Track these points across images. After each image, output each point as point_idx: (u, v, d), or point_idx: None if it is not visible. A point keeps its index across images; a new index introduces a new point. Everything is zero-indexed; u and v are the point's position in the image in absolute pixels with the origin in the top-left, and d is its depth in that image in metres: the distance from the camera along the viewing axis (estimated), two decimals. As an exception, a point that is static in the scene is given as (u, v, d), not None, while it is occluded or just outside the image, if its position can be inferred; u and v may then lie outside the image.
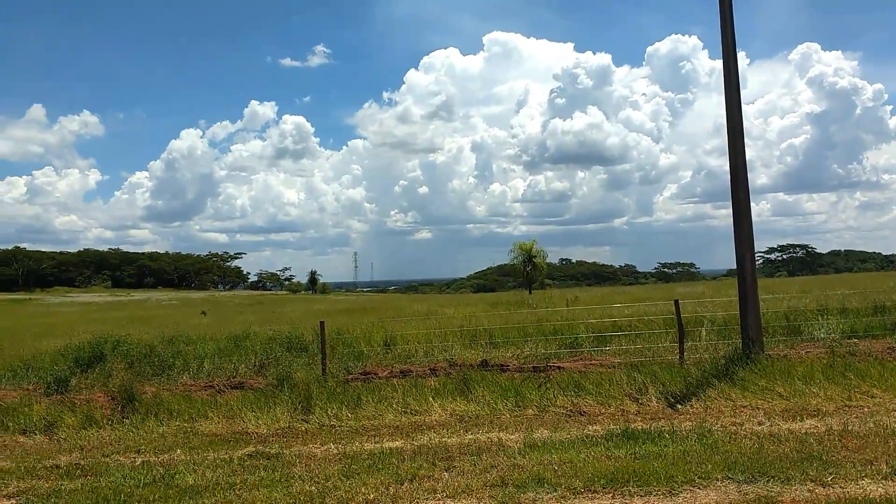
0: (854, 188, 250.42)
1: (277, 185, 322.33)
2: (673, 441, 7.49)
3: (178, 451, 8.55)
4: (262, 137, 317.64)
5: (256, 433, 9.43)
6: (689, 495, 5.89)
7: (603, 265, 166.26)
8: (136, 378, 11.44)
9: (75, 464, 8.10)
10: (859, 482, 5.94)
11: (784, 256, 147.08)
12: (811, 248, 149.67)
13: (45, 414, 10.45)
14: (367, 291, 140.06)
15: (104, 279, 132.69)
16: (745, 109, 12.18)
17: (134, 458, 8.36)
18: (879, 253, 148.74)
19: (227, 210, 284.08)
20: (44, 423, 10.22)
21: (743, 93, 12.11)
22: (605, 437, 7.89)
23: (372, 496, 6.27)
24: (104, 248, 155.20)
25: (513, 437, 8.24)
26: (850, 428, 7.70)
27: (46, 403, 10.92)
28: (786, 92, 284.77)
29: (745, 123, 12.23)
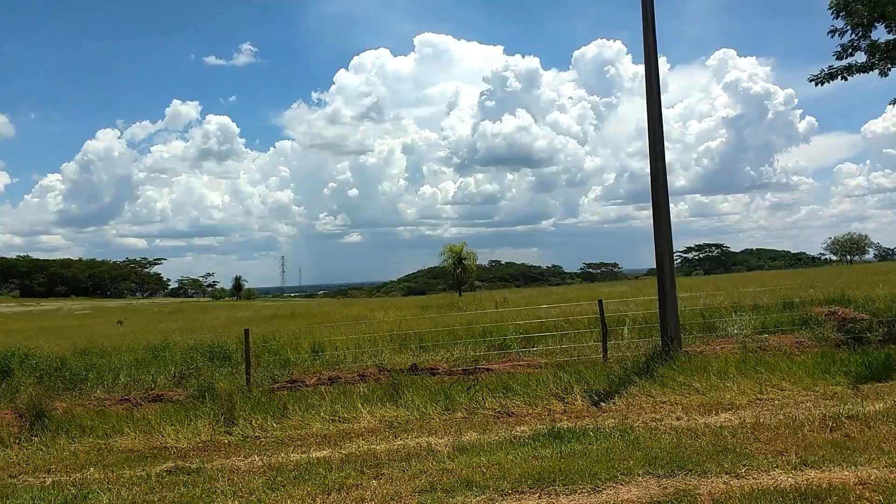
0: (765, 189, 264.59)
1: (200, 188, 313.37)
2: (597, 439, 7.66)
3: (92, 469, 8.11)
4: (184, 138, 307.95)
5: (176, 448, 9.07)
6: (612, 492, 6.03)
7: (531, 266, 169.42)
8: (45, 393, 10.80)
9: (-23, 488, 7.57)
10: (771, 473, 6.22)
11: (700, 256, 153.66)
12: (726, 247, 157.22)
13: (-57, 435, 9.74)
14: (295, 297, 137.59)
15: (12, 288, 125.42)
16: (666, 113, 12.64)
17: (44, 478, 7.89)
18: (788, 251, 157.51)
19: (147, 214, 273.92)
20: (-58, 444, 9.52)
21: (664, 97, 12.59)
22: (532, 437, 7.99)
23: (298, 508, 6.12)
24: (12, 255, 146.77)
25: (442, 441, 8.24)
26: (761, 420, 8.07)
27: (-55, 423, 10.18)
28: (704, 96, 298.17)
29: (665, 127, 12.70)
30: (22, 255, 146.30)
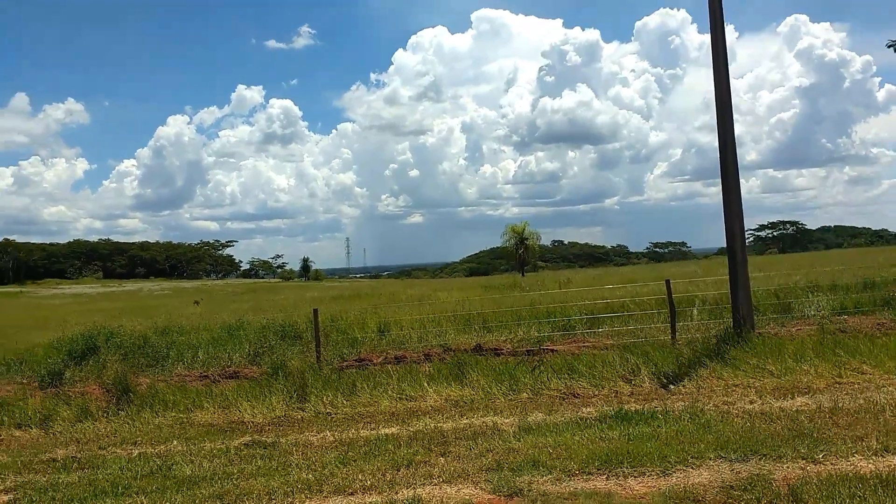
0: (843, 163, 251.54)
1: (267, 171, 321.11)
2: (666, 421, 7.56)
3: (175, 441, 8.57)
4: (249, 123, 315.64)
5: (252, 422, 9.46)
6: (682, 475, 5.96)
7: (595, 246, 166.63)
8: (130, 370, 11.42)
9: (72, 457, 8.11)
10: (850, 458, 6.02)
11: (774, 234, 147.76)
12: (801, 224, 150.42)
13: (39, 407, 10.44)
14: (360, 277, 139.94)
15: (95, 270, 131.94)
16: (734, 84, 12.24)
17: (130, 450, 8.37)
18: (869, 228, 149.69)
19: (217, 197, 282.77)
20: (39, 416, 10.21)
21: (732, 67, 12.11)
22: (599, 418, 7.95)
23: (369, 482, 6.31)
24: (94, 238, 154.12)
25: (507, 420, 8.30)
26: (840, 405, 7.79)
27: (41, 397, 10.92)
28: (775, 65, 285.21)
29: (734, 99, 12.26)
30: (103, 238, 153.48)
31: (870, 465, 5.81)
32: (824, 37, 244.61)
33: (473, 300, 19.99)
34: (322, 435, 8.34)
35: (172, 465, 7.34)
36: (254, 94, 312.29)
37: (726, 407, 8.14)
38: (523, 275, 62.74)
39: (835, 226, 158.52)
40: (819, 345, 10.33)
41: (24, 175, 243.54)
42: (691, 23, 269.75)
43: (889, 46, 13.66)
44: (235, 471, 6.99)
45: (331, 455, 7.28)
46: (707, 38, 12.04)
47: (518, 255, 72.55)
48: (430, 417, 8.82)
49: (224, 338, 14.09)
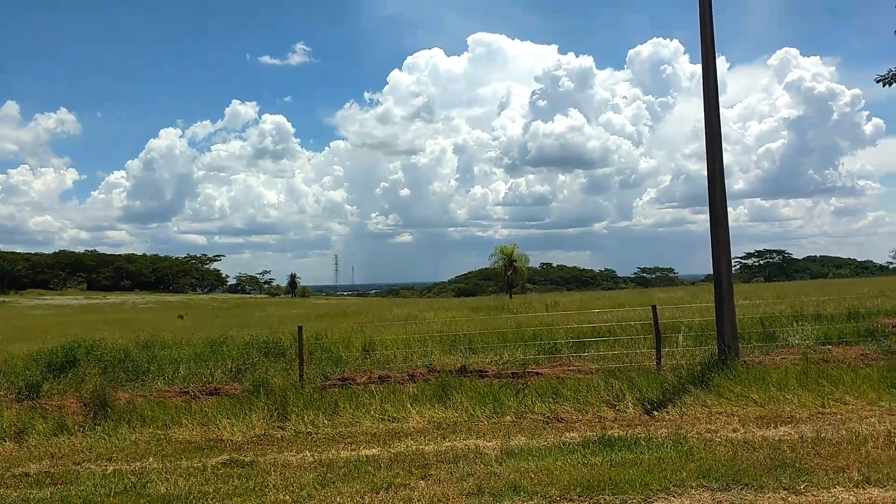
0: (830, 194, 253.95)
1: (257, 186, 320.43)
2: (649, 448, 7.52)
3: (151, 458, 8.41)
4: (242, 137, 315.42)
5: (231, 440, 9.32)
6: (664, 503, 5.91)
7: (583, 269, 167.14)
8: (109, 384, 11.25)
9: (45, 472, 7.95)
10: (831, 490, 6.00)
11: (761, 262, 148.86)
12: (787, 253, 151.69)
13: (15, 420, 10.25)
14: (348, 295, 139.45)
15: (80, 281, 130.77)
16: (724, 114, 12.36)
17: (105, 465, 8.22)
18: (854, 259, 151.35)
19: (206, 211, 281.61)
20: (14, 429, 10.01)
21: (722, 97, 12.29)
22: (582, 444, 7.90)
23: (347, 505, 6.21)
24: (80, 249, 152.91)
25: (490, 444, 8.23)
26: (823, 435, 7.78)
27: (17, 409, 10.72)
28: (764, 97, 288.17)
29: (724, 128, 12.40)
30: (89, 249, 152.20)
31: (851, 497, 5.79)
32: (814, 70, 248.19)
33: (460, 320, 19.93)
34: (301, 455, 8.22)
35: (147, 482, 7.21)
36: (248, 109, 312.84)
37: (709, 435, 8.11)
38: (511, 296, 62.73)
39: (820, 256, 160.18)
40: (803, 374, 10.35)
41: (12, 183, 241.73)
42: (683, 53, 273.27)
43: (877, 81, 13.87)
44: (211, 490, 6.86)
45: (309, 476, 7.17)
46: (698, 68, 12.21)
47: (506, 277, 72.67)
48: (412, 439, 8.73)
49: (207, 353, 13.91)
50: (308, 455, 8.18)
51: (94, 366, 12.33)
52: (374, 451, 8.21)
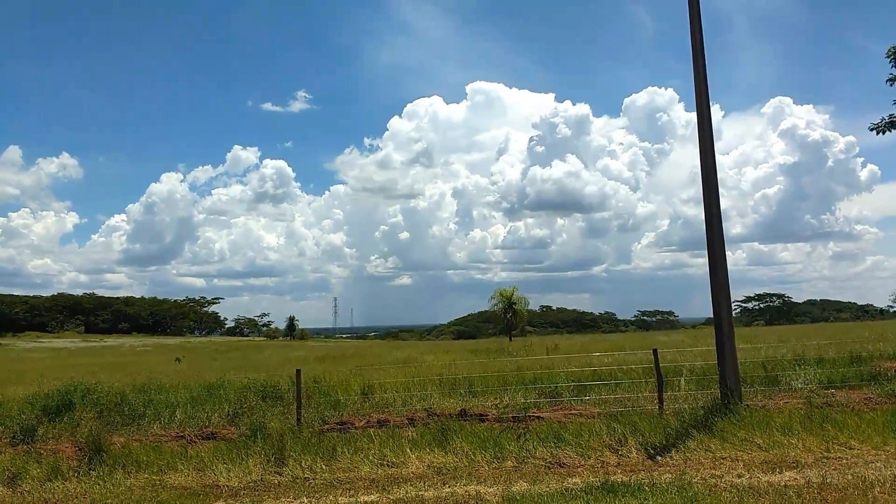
0: (827, 238, 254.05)
1: (257, 230, 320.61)
2: (653, 494, 7.40)
3: (146, 504, 8.26)
4: (242, 182, 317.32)
5: (227, 486, 9.16)
6: (669, 551, 5.79)
7: (583, 312, 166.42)
8: (105, 427, 11.11)
9: (37, 519, 7.79)
10: (839, 537, 5.88)
11: (761, 305, 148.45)
12: (787, 297, 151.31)
13: (9, 465, 10.10)
14: (347, 338, 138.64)
15: (77, 324, 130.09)
16: (720, 160, 12.54)
17: (99, 512, 8.06)
18: (854, 303, 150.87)
19: (206, 254, 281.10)
20: (7, 474, 9.85)
21: (718, 144, 12.45)
22: (585, 489, 7.77)
23: (345, 553, 6.07)
24: (78, 292, 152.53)
25: (491, 490, 8.09)
26: (828, 480, 7.67)
27: (11, 454, 10.57)
28: (759, 143, 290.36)
29: (720, 174, 12.52)
30: (87, 292, 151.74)
31: (860, 545, 5.67)
32: (807, 118, 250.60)
33: (460, 364, 19.76)
34: (299, 501, 8.08)
35: (141, 529, 7.06)
36: (249, 154, 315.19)
37: (714, 480, 7.98)
38: (511, 339, 62.37)
39: (820, 299, 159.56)
40: (807, 418, 10.24)
41: (13, 226, 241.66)
42: (678, 101, 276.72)
43: (871, 129, 14.13)
44: (207, 537, 6.72)
45: (307, 522, 7.03)
46: (693, 115, 12.43)
47: (506, 320, 72.22)
48: (411, 485, 8.59)
49: (204, 397, 13.77)
50: (305, 501, 8.04)
51: (89, 409, 12.21)
52: (372, 497, 8.07)
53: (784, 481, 7.79)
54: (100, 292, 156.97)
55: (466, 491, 8.08)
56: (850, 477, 7.78)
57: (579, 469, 9.12)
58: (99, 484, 9.45)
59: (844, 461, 8.76)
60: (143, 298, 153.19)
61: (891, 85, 13.53)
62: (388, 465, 9.65)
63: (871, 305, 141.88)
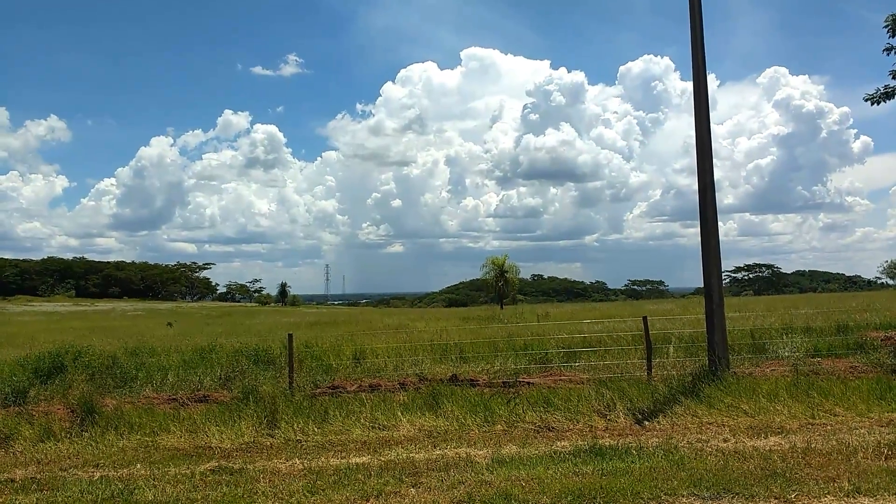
0: (818, 210, 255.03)
1: (248, 196, 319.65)
2: (640, 457, 7.51)
3: (139, 465, 8.33)
4: (233, 147, 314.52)
5: (220, 448, 9.24)
6: (655, 512, 5.90)
7: (574, 281, 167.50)
8: (96, 390, 11.15)
9: (31, 478, 7.85)
10: (822, 500, 6.01)
11: (750, 276, 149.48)
12: (777, 268, 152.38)
13: (1, 426, 10.13)
14: (338, 304, 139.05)
15: (68, 288, 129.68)
16: (714, 130, 12.49)
17: (92, 472, 8.12)
18: (842, 274, 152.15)
19: (196, 220, 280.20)
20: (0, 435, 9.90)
21: (712, 114, 12.37)
22: (573, 453, 7.88)
23: (337, 513, 6.16)
24: (68, 256, 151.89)
25: (481, 452, 8.19)
26: (813, 446, 7.80)
27: (3, 415, 10.60)
28: (754, 114, 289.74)
29: (714, 144, 12.47)
30: (78, 256, 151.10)
31: (841, 507, 5.79)
32: (802, 88, 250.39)
33: (451, 330, 19.88)
34: (291, 462, 8.16)
35: (134, 489, 7.13)
36: (240, 119, 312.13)
37: (700, 444, 8.11)
38: (502, 307, 62.74)
39: (809, 270, 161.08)
40: (793, 386, 10.39)
41: (1, 190, 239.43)
42: (674, 70, 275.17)
43: (866, 100, 14.05)
44: (199, 497, 6.80)
45: (299, 483, 7.11)
46: (689, 85, 12.46)
47: (498, 288, 72.64)
48: (402, 447, 8.68)
49: (195, 361, 13.83)
50: (297, 463, 8.12)
51: (81, 372, 12.23)
52: (364, 459, 8.16)
53: (769, 446, 7.92)
54: (90, 256, 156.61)
55: (457, 453, 8.18)
56: (834, 442, 7.91)
57: (568, 433, 9.24)
58: (91, 445, 9.51)
59: (829, 427, 8.90)
60: (133, 263, 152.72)
61: (888, 54, 13.43)
62: (379, 429, 9.74)
63: (860, 277, 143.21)
